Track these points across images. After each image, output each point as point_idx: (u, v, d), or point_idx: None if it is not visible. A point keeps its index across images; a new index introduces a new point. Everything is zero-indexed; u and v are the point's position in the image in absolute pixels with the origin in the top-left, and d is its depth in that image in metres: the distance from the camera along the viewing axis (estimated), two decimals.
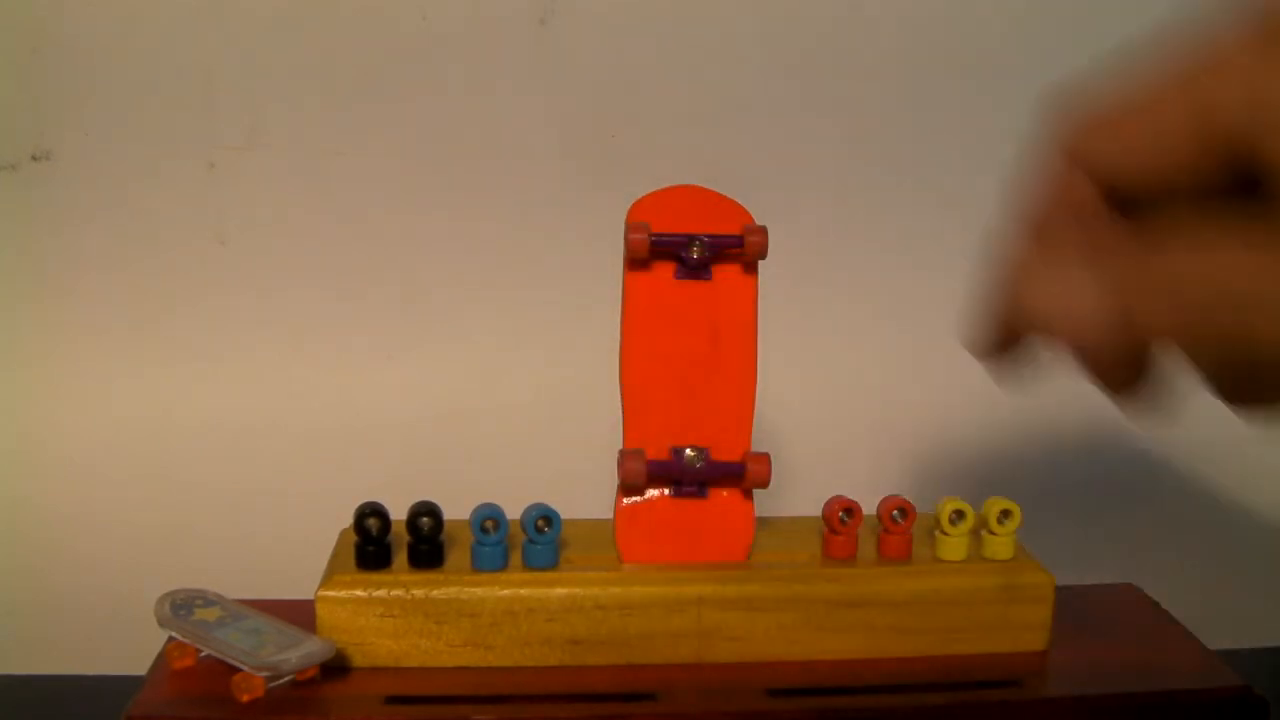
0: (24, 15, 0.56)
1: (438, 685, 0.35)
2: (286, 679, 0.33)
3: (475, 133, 0.59)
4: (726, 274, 0.37)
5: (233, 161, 0.59)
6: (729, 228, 0.36)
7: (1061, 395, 0.62)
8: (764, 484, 0.36)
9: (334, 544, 0.38)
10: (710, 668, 0.36)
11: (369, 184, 0.60)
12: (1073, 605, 0.38)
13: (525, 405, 0.61)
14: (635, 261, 0.36)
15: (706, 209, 0.36)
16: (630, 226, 0.36)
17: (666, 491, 0.37)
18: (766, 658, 0.36)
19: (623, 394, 0.37)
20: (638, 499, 0.37)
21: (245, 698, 0.33)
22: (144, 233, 0.60)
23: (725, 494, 0.37)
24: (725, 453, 0.37)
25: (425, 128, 0.59)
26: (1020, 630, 0.37)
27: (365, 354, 0.61)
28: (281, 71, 0.58)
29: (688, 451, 0.37)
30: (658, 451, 0.37)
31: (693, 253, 0.36)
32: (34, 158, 0.58)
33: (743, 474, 0.37)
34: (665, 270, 0.37)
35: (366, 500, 0.36)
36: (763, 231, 0.36)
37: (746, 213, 0.37)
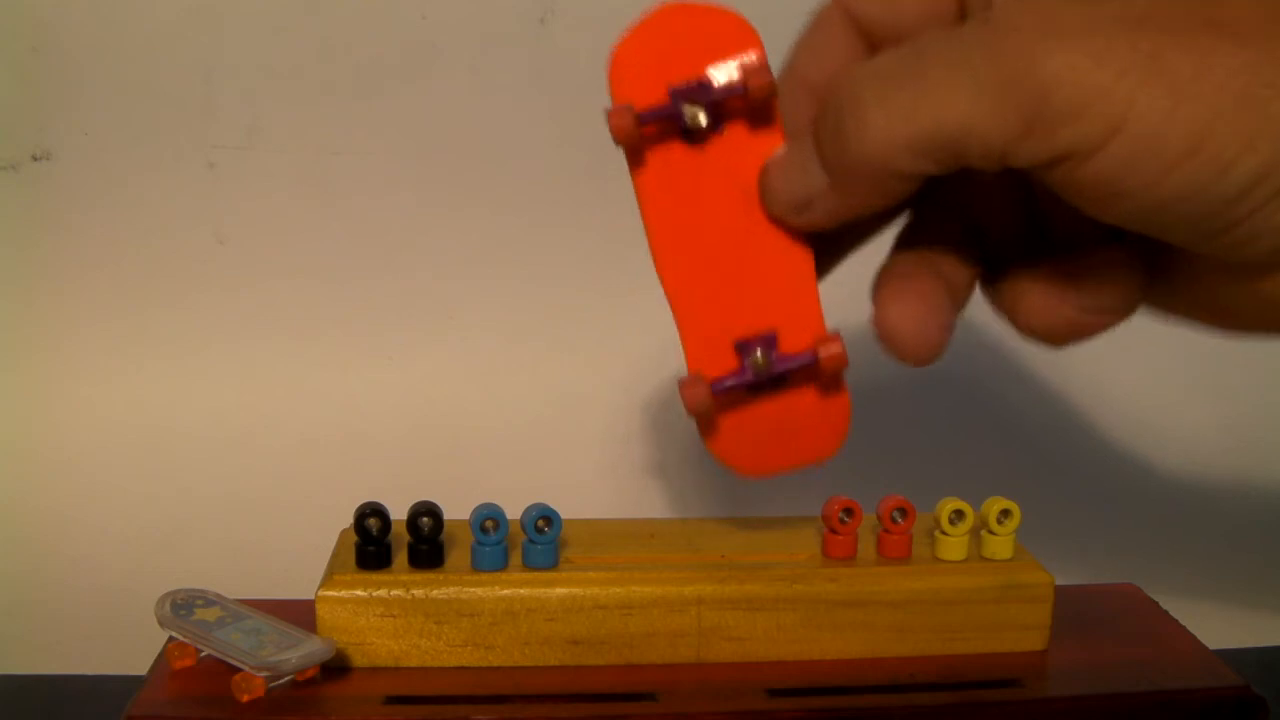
0: (24, 15, 0.56)
1: (438, 685, 0.35)
2: (286, 679, 0.33)
3: (475, 133, 0.59)
4: (741, 124, 0.31)
5: (232, 161, 0.59)
6: (732, 53, 0.30)
7: (1062, 394, 0.62)
8: (841, 366, 0.32)
9: (334, 544, 0.38)
10: (710, 668, 0.36)
11: (369, 184, 0.60)
12: (1073, 605, 0.38)
13: (525, 405, 0.61)
14: (632, 151, 0.31)
15: (700, 40, 0.30)
16: (611, 112, 0.30)
17: (744, 400, 0.33)
18: (766, 658, 0.36)
19: (671, 306, 0.33)
20: (718, 419, 0.33)
21: (245, 698, 0.33)
22: (143, 232, 0.60)
23: (810, 383, 0.33)
24: (796, 334, 0.32)
25: (425, 128, 0.59)
26: (1020, 630, 0.37)
27: (365, 354, 0.61)
28: (281, 71, 0.58)
29: (756, 353, 0.32)
30: (722, 359, 0.32)
31: (695, 119, 0.30)
32: (34, 158, 0.58)
33: (815, 364, 0.32)
34: (670, 145, 0.31)
35: (366, 500, 0.36)
36: (763, 70, 0.30)
37: (748, 30, 0.30)
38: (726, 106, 0.31)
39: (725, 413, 0.33)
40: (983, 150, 0.25)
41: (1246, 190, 0.23)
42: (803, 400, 0.33)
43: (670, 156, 0.31)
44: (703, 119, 0.30)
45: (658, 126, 0.31)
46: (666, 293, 0.32)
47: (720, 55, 0.30)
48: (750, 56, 0.30)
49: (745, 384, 0.32)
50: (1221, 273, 0.27)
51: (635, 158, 0.31)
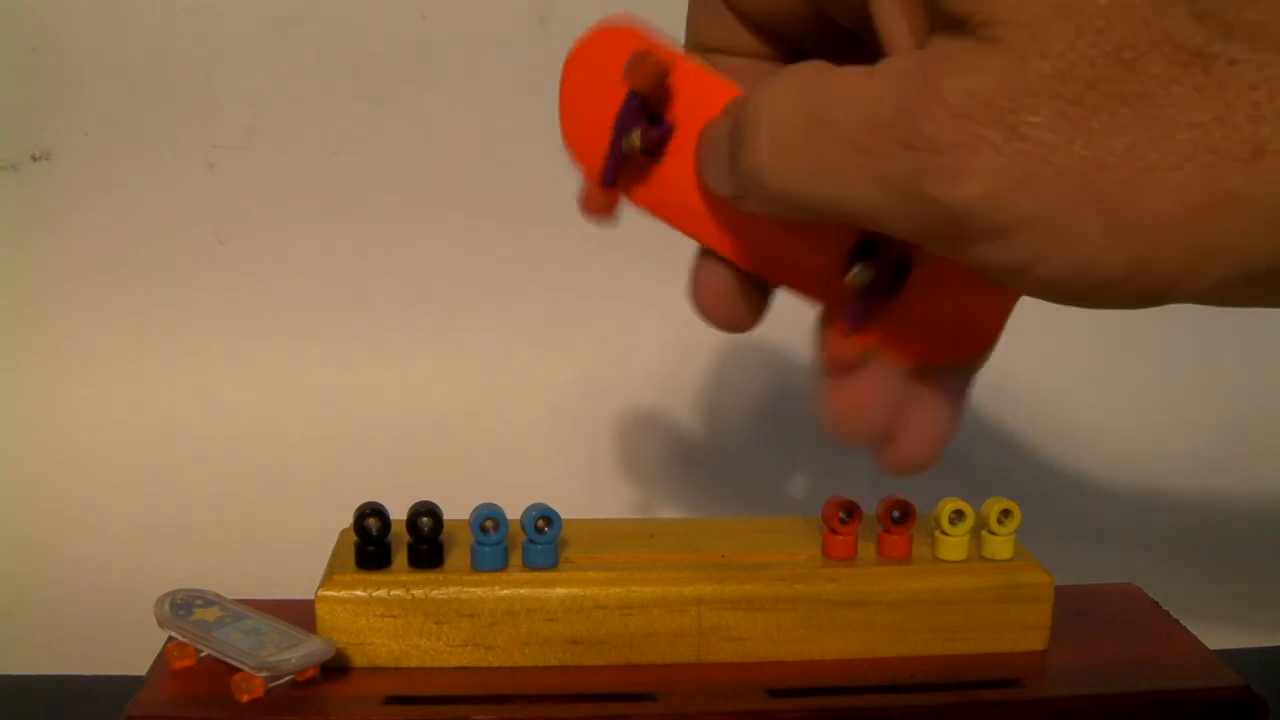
0: (24, 15, 0.56)
1: (438, 685, 0.35)
2: (286, 679, 0.33)
3: (475, 132, 0.59)
4: (683, 107, 0.29)
5: (232, 161, 0.59)
6: (628, 59, 0.28)
7: (1062, 395, 0.62)
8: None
9: (334, 544, 0.38)
10: (710, 668, 0.36)
11: (369, 184, 0.60)
12: (1073, 605, 0.38)
13: (525, 405, 0.61)
14: (616, 204, 0.30)
15: (609, 66, 0.29)
16: (582, 201, 0.30)
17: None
18: (766, 658, 0.36)
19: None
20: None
21: (245, 698, 0.33)
22: (144, 232, 0.60)
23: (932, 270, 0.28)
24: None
25: (425, 128, 0.59)
26: (1020, 630, 0.37)
27: (365, 354, 0.61)
28: (281, 71, 0.58)
29: (854, 269, 0.28)
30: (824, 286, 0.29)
31: (633, 146, 0.29)
32: (34, 158, 0.58)
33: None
34: (643, 169, 0.30)
35: (366, 500, 0.36)
36: (642, 64, 0.28)
37: (625, 31, 0.29)
38: (655, 109, 0.29)
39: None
40: (889, 233, 0.23)
41: (1201, 294, 0.22)
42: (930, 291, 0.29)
43: (651, 176, 0.30)
44: (638, 140, 0.29)
45: (620, 172, 0.30)
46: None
47: (623, 69, 0.29)
48: (635, 56, 0.28)
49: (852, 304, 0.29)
50: None
51: (625, 197, 0.30)
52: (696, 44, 0.30)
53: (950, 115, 0.21)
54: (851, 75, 0.23)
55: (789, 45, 0.30)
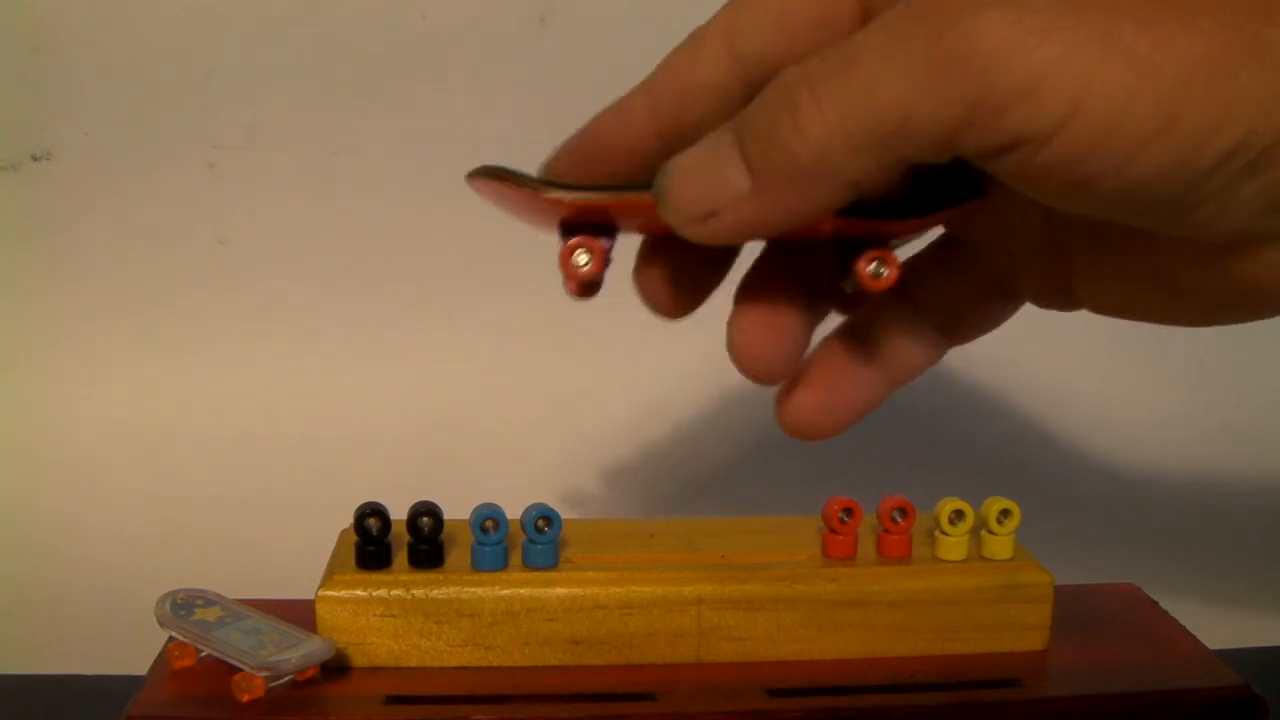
0: (24, 15, 0.56)
1: (438, 685, 0.35)
2: (286, 679, 0.33)
3: (475, 133, 0.59)
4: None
5: (232, 161, 0.59)
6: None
7: (1062, 395, 0.62)
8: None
9: (334, 544, 0.38)
10: (710, 668, 0.36)
11: (369, 184, 0.60)
12: (1073, 605, 0.38)
13: (525, 405, 0.61)
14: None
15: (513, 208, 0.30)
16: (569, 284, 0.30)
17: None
18: (766, 658, 0.36)
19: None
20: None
21: (245, 698, 0.33)
22: (144, 232, 0.60)
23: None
24: None
25: (425, 128, 0.59)
26: (1020, 630, 0.37)
27: (365, 354, 0.61)
28: (281, 71, 0.58)
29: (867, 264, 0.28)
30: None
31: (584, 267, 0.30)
32: (34, 158, 0.58)
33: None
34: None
35: (366, 500, 0.36)
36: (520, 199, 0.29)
37: (496, 188, 0.30)
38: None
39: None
40: (926, 140, 0.23)
41: (1220, 165, 0.22)
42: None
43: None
44: (582, 256, 0.30)
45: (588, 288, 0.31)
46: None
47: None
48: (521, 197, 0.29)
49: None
50: (1184, 257, 0.26)
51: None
52: (669, 89, 0.29)
53: None
54: (861, 33, 0.23)
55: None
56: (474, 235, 0.61)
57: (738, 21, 0.28)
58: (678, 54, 0.29)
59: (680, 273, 0.30)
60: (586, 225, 0.29)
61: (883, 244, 0.28)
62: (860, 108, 0.23)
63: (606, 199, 0.28)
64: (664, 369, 0.59)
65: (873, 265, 0.28)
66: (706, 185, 0.26)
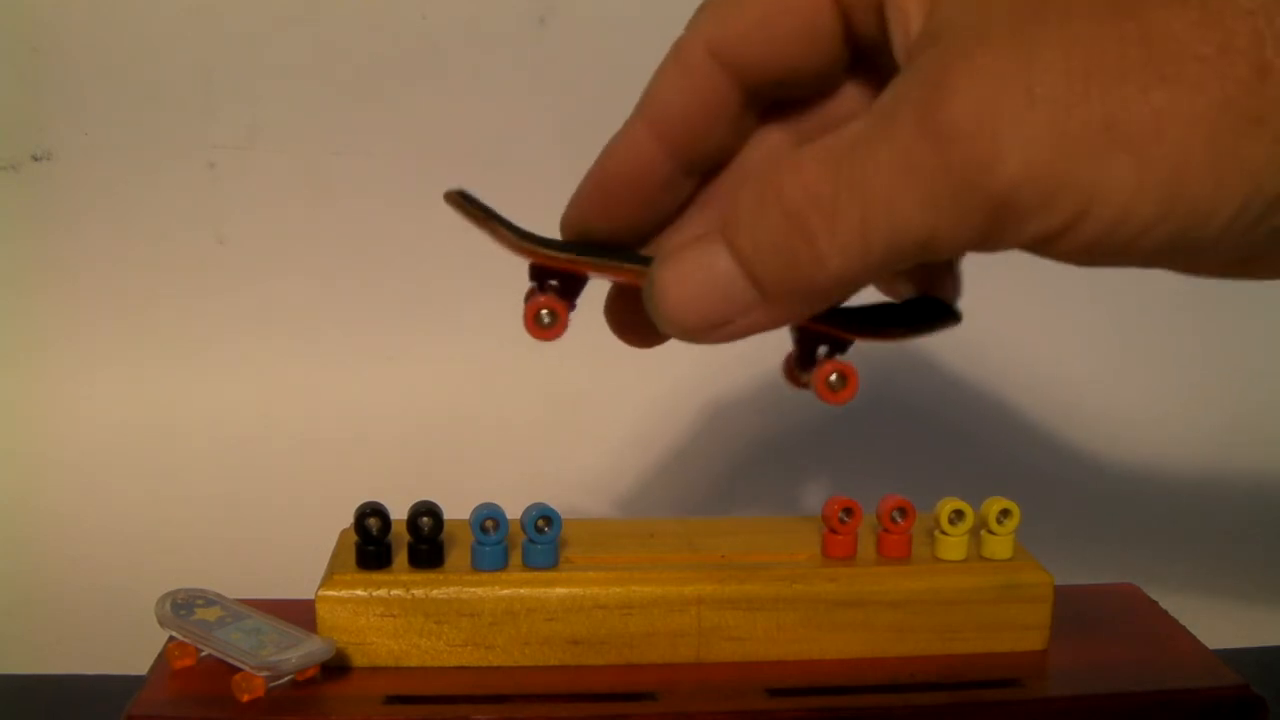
0: (24, 15, 0.56)
1: (438, 685, 0.35)
2: (286, 679, 0.33)
3: (475, 133, 0.59)
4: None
5: (232, 161, 0.59)
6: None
7: (1062, 395, 0.62)
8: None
9: (334, 544, 0.38)
10: (710, 668, 0.36)
11: (369, 184, 0.60)
12: (1073, 605, 0.38)
13: (525, 405, 0.61)
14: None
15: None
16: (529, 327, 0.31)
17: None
18: (766, 658, 0.36)
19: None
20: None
21: (245, 698, 0.33)
22: (144, 232, 0.60)
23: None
24: None
25: (425, 128, 0.59)
26: (1020, 630, 0.37)
27: (365, 354, 0.61)
28: (281, 71, 0.58)
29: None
30: None
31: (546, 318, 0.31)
32: (34, 158, 0.58)
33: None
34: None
35: (366, 500, 0.36)
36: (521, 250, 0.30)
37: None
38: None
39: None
40: (946, 251, 0.23)
41: (1228, 227, 0.22)
42: None
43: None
44: (546, 318, 0.31)
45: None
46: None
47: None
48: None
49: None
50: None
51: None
52: (656, 111, 0.29)
53: (969, 102, 0.21)
54: (858, 128, 0.23)
55: (751, 105, 0.29)
56: (474, 235, 0.61)
57: (723, 35, 0.28)
58: (667, 71, 0.29)
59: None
60: (556, 273, 0.31)
61: (843, 348, 0.30)
62: (881, 233, 0.23)
63: (588, 265, 0.30)
64: (664, 369, 0.59)
65: (833, 377, 0.30)
66: (710, 300, 0.25)
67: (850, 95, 0.30)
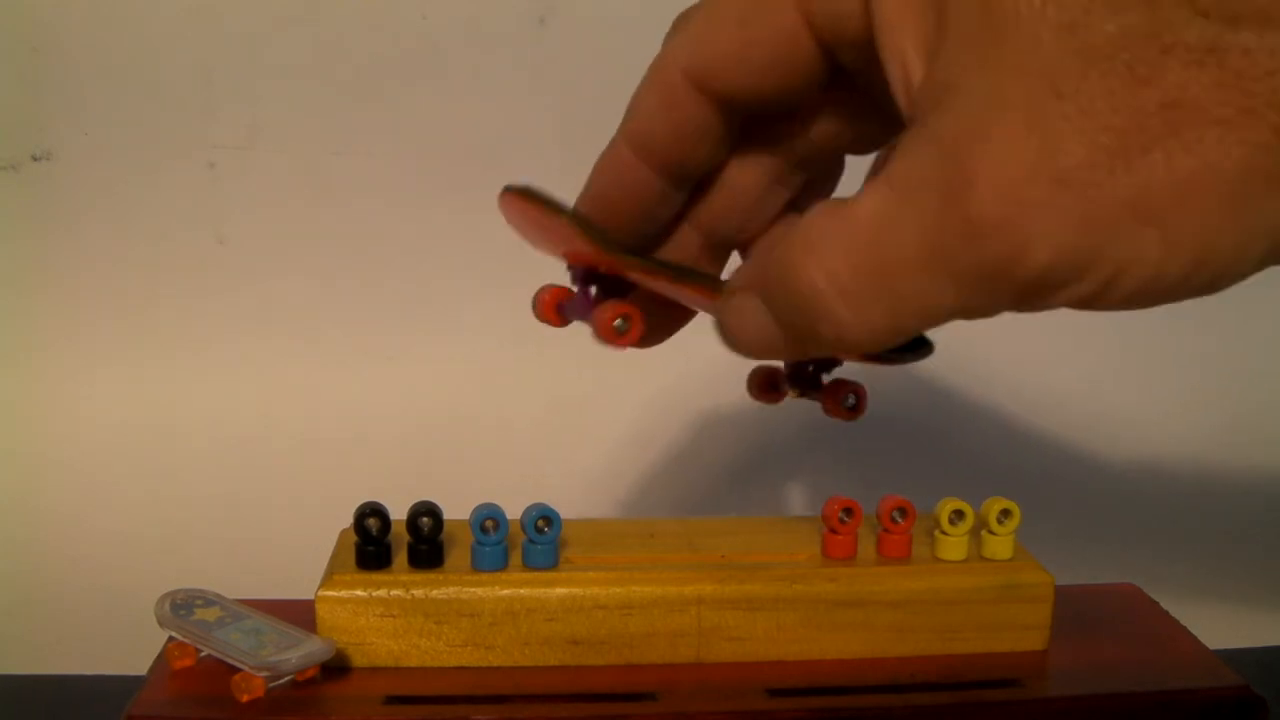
0: (24, 15, 0.56)
1: (438, 685, 0.35)
2: (286, 679, 0.33)
3: (475, 132, 0.59)
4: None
5: (232, 161, 0.59)
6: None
7: (1062, 395, 0.62)
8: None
9: (334, 544, 0.38)
10: (710, 668, 0.36)
11: (369, 184, 0.60)
12: (1073, 605, 0.38)
13: (525, 406, 0.61)
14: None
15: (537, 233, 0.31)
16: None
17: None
18: (766, 658, 0.36)
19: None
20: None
21: (245, 698, 0.33)
22: (144, 232, 0.60)
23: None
24: None
25: (425, 128, 0.59)
26: (1020, 630, 0.37)
27: (365, 354, 0.61)
28: (281, 71, 0.58)
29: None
30: None
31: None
32: (34, 158, 0.58)
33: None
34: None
35: (366, 500, 0.36)
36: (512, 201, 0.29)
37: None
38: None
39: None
40: (980, 318, 0.24)
41: (1252, 272, 0.23)
42: None
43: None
44: (622, 325, 0.30)
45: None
46: None
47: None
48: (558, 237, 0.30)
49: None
50: None
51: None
52: (638, 135, 0.29)
53: (995, 193, 0.21)
54: (877, 205, 0.23)
55: (732, 121, 0.29)
56: (474, 235, 0.61)
57: (700, 64, 0.28)
58: (646, 95, 0.29)
59: (650, 314, 0.31)
60: (602, 276, 0.31)
61: (829, 367, 0.32)
62: (909, 315, 0.24)
63: (665, 277, 0.29)
64: (664, 370, 0.59)
65: (850, 399, 0.33)
66: (767, 339, 0.26)
67: (835, 102, 0.30)
